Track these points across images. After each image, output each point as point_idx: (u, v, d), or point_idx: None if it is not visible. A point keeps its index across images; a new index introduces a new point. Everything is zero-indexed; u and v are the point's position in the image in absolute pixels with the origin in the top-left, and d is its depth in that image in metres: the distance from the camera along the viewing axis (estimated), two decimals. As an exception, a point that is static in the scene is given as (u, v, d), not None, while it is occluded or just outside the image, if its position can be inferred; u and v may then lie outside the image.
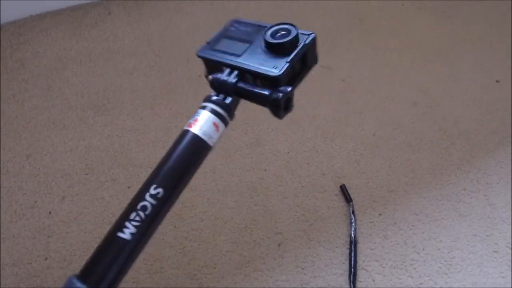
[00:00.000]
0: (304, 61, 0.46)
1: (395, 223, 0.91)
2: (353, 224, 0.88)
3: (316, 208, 0.92)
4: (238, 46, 0.46)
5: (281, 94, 0.42)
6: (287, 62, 0.43)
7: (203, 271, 0.82)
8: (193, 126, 0.42)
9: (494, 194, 0.97)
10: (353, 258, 0.82)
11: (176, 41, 1.37)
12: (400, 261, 0.84)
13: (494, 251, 0.86)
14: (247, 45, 0.46)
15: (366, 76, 1.28)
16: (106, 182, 0.97)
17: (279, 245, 0.86)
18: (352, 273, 0.81)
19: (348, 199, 0.93)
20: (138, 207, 0.39)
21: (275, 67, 0.43)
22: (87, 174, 0.98)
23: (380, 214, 0.92)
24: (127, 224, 0.39)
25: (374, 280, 0.81)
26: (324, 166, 1.01)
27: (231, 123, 0.45)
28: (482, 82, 1.27)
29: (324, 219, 0.91)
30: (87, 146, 1.04)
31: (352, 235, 0.86)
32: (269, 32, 0.45)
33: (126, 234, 0.38)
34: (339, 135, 1.09)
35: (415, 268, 0.83)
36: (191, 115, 0.46)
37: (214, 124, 0.43)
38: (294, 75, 0.45)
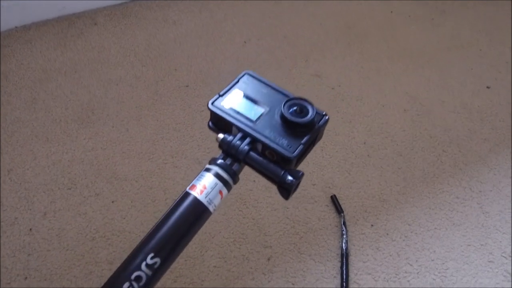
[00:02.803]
0: (314, 140, 0.45)
1: (387, 234, 0.88)
2: (344, 236, 0.86)
3: (306, 220, 0.90)
4: (253, 110, 0.44)
5: (294, 180, 0.41)
6: (302, 144, 0.43)
7: (190, 288, 0.79)
8: (197, 191, 0.39)
9: (488, 202, 0.95)
10: (344, 272, 0.80)
11: (163, 51, 1.35)
12: (393, 274, 0.82)
13: (489, 261, 0.84)
14: (262, 110, 0.45)
15: (356, 84, 1.27)
16: (89, 196, 0.94)
17: (268, 259, 0.83)
18: None
19: (339, 210, 0.91)
20: (132, 277, 0.36)
21: (290, 146, 0.42)
22: (69, 188, 0.95)
23: (372, 225, 0.90)
24: None
25: (367, 294, 0.79)
26: (314, 176, 0.99)
27: (234, 187, 0.42)
28: (473, 88, 1.26)
29: (314, 231, 0.88)
30: (70, 160, 1.01)
31: (343, 248, 0.84)
32: (286, 106, 0.44)
33: None
34: (329, 144, 1.07)
35: (408, 281, 0.81)
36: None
37: (220, 192, 0.40)
38: (302, 155, 0.44)
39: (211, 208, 0.40)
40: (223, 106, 0.45)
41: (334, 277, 0.80)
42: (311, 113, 0.43)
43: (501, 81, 1.30)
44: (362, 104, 1.20)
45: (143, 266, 0.36)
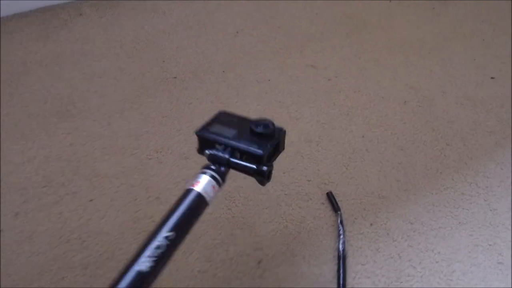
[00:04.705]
0: (277, 147, 0.59)
1: (388, 233, 0.81)
2: (341, 236, 0.79)
3: (300, 219, 0.83)
4: (229, 131, 0.58)
5: (265, 167, 0.55)
6: (268, 145, 0.57)
7: (172, 294, 0.72)
8: (196, 186, 0.52)
9: (495, 198, 0.89)
10: (341, 275, 0.73)
11: (151, 42, 1.28)
12: (394, 277, 0.75)
13: (499, 263, 0.77)
14: (235, 130, 0.59)
15: (354, 75, 1.20)
16: (65, 195, 0.87)
17: (259, 262, 0.76)
18: (341, 293, 0.71)
19: (335, 208, 0.84)
20: (153, 245, 0.47)
21: (259, 148, 0.55)
22: (44, 187, 0.88)
23: (371, 224, 0.83)
24: (144, 260, 0.45)
25: (366, 300, 0.72)
26: (309, 172, 0.92)
27: (223, 186, 0.55)
28: (477, 78, 1.19)
29: (309, 231, 0.81)
30: (46, 156, 0.94)
31: (340, 249, 0.77)
32: (253, 123, 0.58)
33: (144, 266, 0.45)
34: (325, 138, 1.00)
35: (411, 285, 0.74)
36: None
37: (213, 186, 0.53)
38: (270, 157, 0.58)
39: (206, 197, 0.53)
40: (206, 132, 0.58)
41: (331, 281, 0.74)
42: (271, 127, 0.58)
43: (506, 72, 1.23)
44: (360, 96, 1.13)
45: (161, 238, 0.47)
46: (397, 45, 1.32)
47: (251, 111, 1.07)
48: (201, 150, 0.59)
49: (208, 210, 0.85)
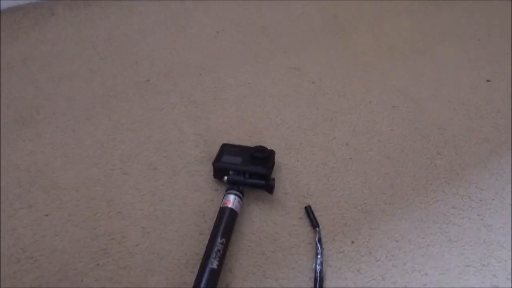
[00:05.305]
0: (272, 164, 0.85)
1: (370, 252, 0.74)
2: (319, 256, 0.71)
3: (274, 236, 0.76)
4: (236, 159, 0.81)
5: (273, 182, 0.79)
6: (268, 166, 0.82)
7: (129, 322, 0.65)
8: (228, 204, 0.74)
9: (490, 212, 0.81)
10: (317, 301, 0.66)
11: (125, 43, 1.21)
12: (376, 302, 0.67)
13: (493, 286, 0.70)
14: (240, 158, 0.81)
15: (340, 78, 1.13)
16: (20, 209, 0.79)
17: (227, 285, 0.69)
18: (316, 321, 0.64)
19: (314, 223, 0.77)
20: (215, 249, 0.67)
21: (263, 169, 0.80)
22: (-2, 199, 0.80)
23: (352, 242, 0.75)
24: (212, 260, 0.65)
25: (344, 328, 0.64)
26: (287, 183, 0.85)
27: (243, 199, 0.78)
28: (471, 82, 1.12)
29: (284, 249, 0.74)
30: (4, 166, 0.86)
31: (317, 270, 0.69)
32: (253, 150, 0.82)
33: (215, 265, 0.65)
34: (306, 146, 0.93)
35: (395, 311, 0.66)
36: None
37: (238, 201, 0.76)
38: (269, 173, 0.82)
39: (237, 210, 0.75)
40: (220, 163, 0.81)
41: (305, 307, 0.66)
42: (267, 151, 0.83)
43: (502, 74, 1.16)
44: (346, 100, 1.06)
45: (218, 244, 0.67)
46: (386, 47, 1.25)
47: (229, 116, 0.99)
48: (217, 176, 0.82)
49: (173, 227, 0.78)
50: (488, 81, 1.13)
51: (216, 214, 0.76)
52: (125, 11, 1.33)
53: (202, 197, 0.82)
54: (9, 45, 1.20)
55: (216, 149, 0.87)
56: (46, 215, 0.78)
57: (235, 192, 0.76)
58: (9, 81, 1.08)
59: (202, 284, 0.63)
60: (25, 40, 1.22)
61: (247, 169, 0.79)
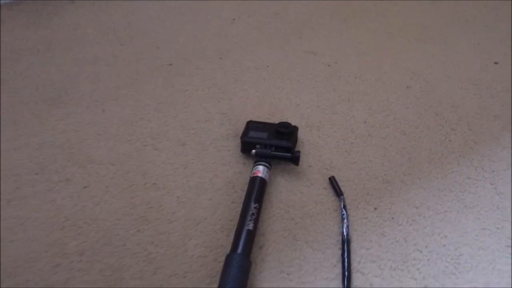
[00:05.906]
0: (296, 139, 0.90)
1: (392, 218, 0.79)
2: (345, 221, 0.76)
3: (302, 204, 0.80)
4: (262, 134, 0.86)
5: (298, 154, 0.83)
6: (293, 139, 0.87)
7: (171, 281, 0.69)
8: (258, 173, 0.79)
9: (502, 182, 0.86)
10: (346, 260, 0.70)
11: (144, 29, 1.25)
12: (400, 261, 0.72)
13: (507, 246, 0.75)
14: (266, 133, 0.86)
15: (354, 60, 1.17)
16: (59, 182, 0.83)
17: (260, 247, 0.73)
18: (345, 277, 0.69)
19: (338, 192, 0.82)
20: (250, 213, 0.72)
21: (288, 142, 0.84)
22: (37, 174, 0.84)
23: (375, 209, 0.80)
24: (248, 222, 0.71)
25: (371, 284, 0.69)
26: (310, 158, 0.89)
27: (271, 169, 0.84)
28: (480, 63, 1.17)
29: (311, 216, 0.79)
30: (39, 143, 0.90)
31: (344, 233, 0.74)
32: (278, 126, 0.87)
33: (250, 226, 0.70)
34: (326, 123, 0.98)
35: (418, 269, 0.71)
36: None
37: (267, 171, 0.81)
38: (294, 146, 0.87)
39: (266, 178, 0.80)
40: (248, 137, 0.87)
41: (335, 266, 0.71)
42: (290, 126, 0.87)
43: (509, 57, 1.21)
44: (361, 81, 1.10)
45: (252, 208, 0.73)
46: (397, 29, 1.29)
47: (250, 98, 1.04)
48: (244, 150, 0.88)
49: (206, 197, 0.82)
50: (496, 63, 1.18)
51: (245, 186, 0.81)
52: (143, -1, 1.37)
53: (230, 170, 0.86)
54: (32, 31, 1.24)
55: (240, 128, 0.92)
56: (85, 187, 0.82)
57: (264, 163, 0.81)
58: (36, 64, 1.12)
59: (241, 241, 0.68)
60: (47, 26, 1.26)
61: (273, 143, 0.83)
